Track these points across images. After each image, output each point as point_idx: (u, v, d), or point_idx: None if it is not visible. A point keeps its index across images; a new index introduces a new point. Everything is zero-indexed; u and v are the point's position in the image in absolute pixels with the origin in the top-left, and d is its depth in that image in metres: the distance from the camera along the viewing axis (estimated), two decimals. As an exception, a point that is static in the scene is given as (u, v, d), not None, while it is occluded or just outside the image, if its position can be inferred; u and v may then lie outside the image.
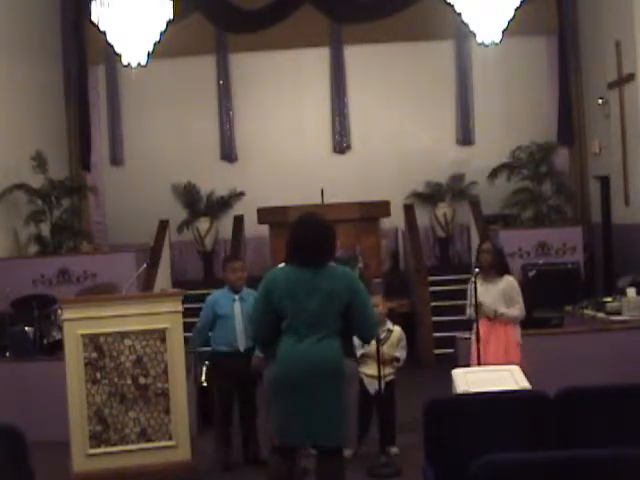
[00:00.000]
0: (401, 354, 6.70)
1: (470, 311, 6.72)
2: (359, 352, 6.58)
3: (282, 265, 4.82)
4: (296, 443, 4.65)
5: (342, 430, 4.59)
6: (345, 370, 4.61)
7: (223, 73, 13.46)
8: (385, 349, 6.57)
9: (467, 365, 6.44)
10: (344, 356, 4.63)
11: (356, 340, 6.51)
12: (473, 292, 6.50)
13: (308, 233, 4.67)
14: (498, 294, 6.68)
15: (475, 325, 6.63)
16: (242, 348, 6.46)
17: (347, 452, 6.58)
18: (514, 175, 12.31)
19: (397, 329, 6.76)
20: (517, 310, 6.75)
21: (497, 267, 6.76)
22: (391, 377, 6.70)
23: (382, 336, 6.54)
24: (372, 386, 6.58)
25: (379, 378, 6.44)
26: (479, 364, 6.31)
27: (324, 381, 4.50)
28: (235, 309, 6.54)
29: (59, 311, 6.92)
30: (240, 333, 6.47)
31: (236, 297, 6.58)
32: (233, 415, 6.70)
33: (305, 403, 4.50)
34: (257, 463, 6.44)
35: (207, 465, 6.59)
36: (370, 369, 6.57)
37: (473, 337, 6.79)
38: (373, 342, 6.49)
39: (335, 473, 4.69)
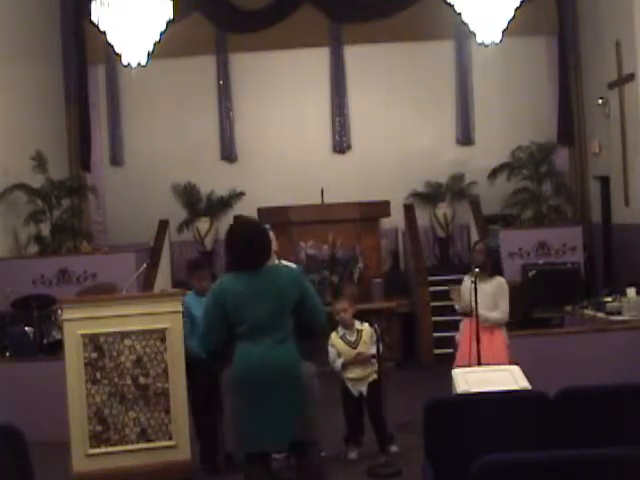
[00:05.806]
0: (375, 349, 6.54)
1: (459, 307, 6.91)
2: (339, 362, 6.57)
3: (226, 275, 4.80)
4: (267, 448, 4.61)
5: (309, 425, 4.63)
6: (303, 372, 4.67)
7: (223, 73, 13.45)
8: (360, 349, 6.54)
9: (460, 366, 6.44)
10: (301, 358, 4.68)
11: (332, 352, 6.55)
12: (472, 291, 6.53)
13: (242, 238, 4.68)
14: (487, 294, 6.72)
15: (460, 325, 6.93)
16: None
17: (352, 455, 6.60)
18: (514, 175, 12.29)
19: (366, 326, 6.68)
20: (497, 314, 6.77)
21: (489, 268, 6.85)
22: (374, 377, 6.59)
23: (353, 339, 6.55)
24: (355, 389, 6.59)
25: (379, 376, 6.44)
26: (466, 365, 6.35)
27: (285, 384, 4.53)
28: None
29: (59, 311, 6.92)
30: None
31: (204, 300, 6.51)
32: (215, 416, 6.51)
33: (270, 406, 4.51)
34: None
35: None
36: (352, 373, 6.58)
37: (457, 336, 7.01)
38: (347, 348, 6.55)
39: (313, 467, 4.73)
